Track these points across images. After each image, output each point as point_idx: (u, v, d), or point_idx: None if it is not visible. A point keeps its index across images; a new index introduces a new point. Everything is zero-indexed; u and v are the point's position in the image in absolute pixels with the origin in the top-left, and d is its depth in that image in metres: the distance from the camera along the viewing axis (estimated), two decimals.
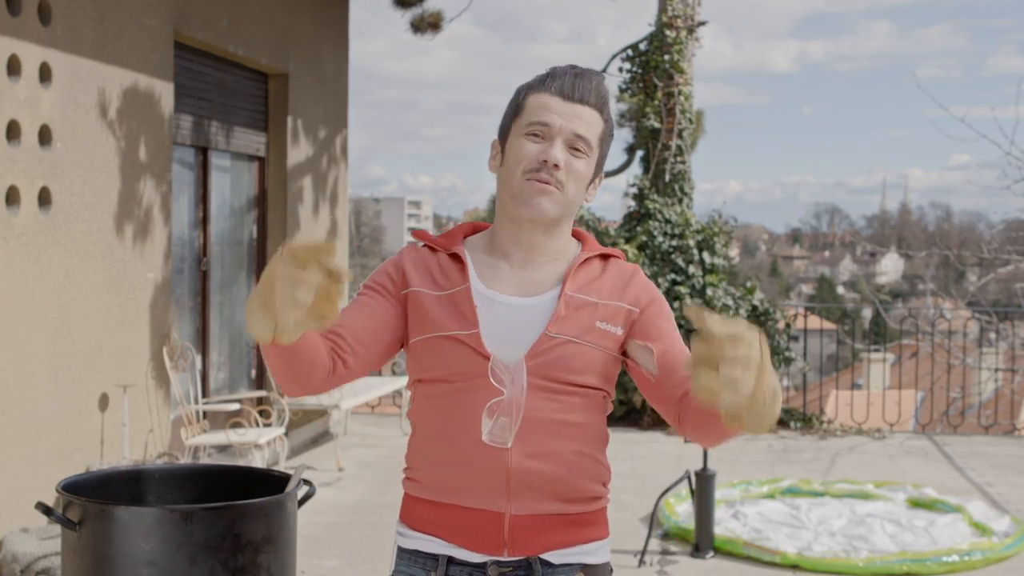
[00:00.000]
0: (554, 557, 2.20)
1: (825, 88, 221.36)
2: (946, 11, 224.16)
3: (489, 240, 2.33)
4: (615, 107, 11.53)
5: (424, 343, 2.23)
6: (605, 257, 2.35)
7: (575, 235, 2.38)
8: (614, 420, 2.42)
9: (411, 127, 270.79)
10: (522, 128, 2.25)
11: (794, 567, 6.17)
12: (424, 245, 2.34)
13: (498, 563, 2.19)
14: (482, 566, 2.19)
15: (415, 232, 2.39)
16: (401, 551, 2.27)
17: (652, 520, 6.41)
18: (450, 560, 2.20)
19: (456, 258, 2.29)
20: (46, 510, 2.32)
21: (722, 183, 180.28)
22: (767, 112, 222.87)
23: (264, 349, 1.98)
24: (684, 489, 7.16)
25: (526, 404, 2.17)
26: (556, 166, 2.20)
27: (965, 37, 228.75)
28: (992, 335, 13.42)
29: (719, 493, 7.40)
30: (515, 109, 2.29)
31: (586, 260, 2.30)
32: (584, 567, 2.23)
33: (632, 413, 10.55)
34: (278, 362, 2.02)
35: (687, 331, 10.44)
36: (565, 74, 2.27)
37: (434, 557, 2.21)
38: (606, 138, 2.30)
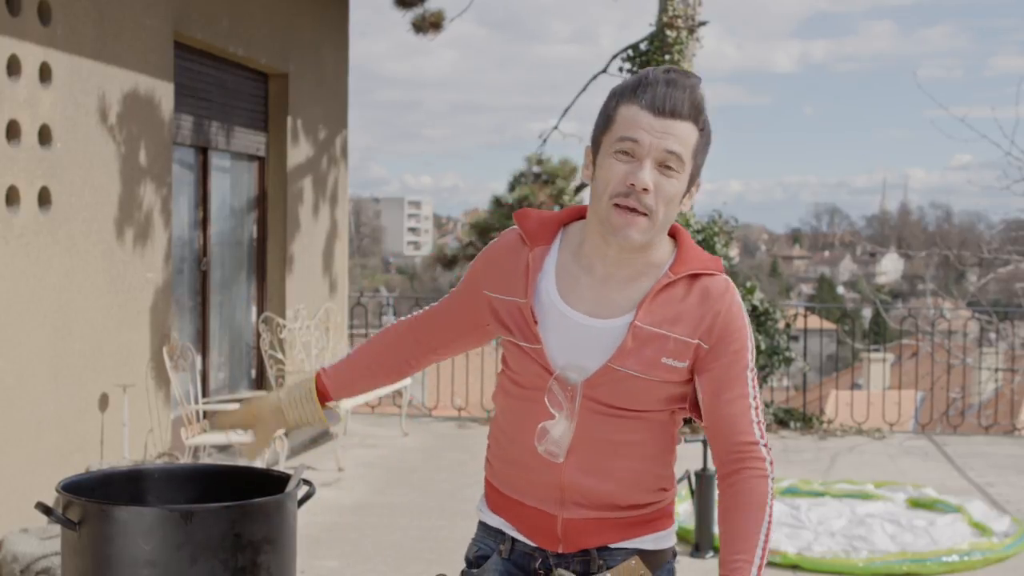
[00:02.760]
0: (611, 544, 2.27)
1: (827, 88, 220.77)
2: (949, 11, 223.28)
3: (579, 242, 2.26)
4: None
5: (504, 343, 2.30)
6: (695, 276, 2.20)
7: (673, 235, 2.28)
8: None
9: (412, 127, 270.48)
10: (612, 144, 2.15)
11: (794, 567, 6.17)
12: (517, 233, 2.31)
13: (556, 554, 2.28)
14: (543, 550, 2.29)
15: (516, 214, 2.33)
16: (479, 522, 2.41)
17: None
18: (515, 539, 2.31)
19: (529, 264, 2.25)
20: (46, 510, 2.31)
21: (723, 183, 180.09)
22: (769, 112, 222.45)
23: None
24: (684, 489, 7.15)
25: (583, 423, 2.18)
26: (645, 190, 2.11)
27: (968, 38, 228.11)
28: (992, 335, 13.42)
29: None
30: (606, 120, 2.18)
31: (668, 285, 2.19)
32: (641, 552, 2.27)
33: None
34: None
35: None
36: (657, 83, 2.13)
37: (503, 533, 2.33)
38: (702, 148, 2.19)
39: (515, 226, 2.33)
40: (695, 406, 2.26)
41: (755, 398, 2.22)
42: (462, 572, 2.40)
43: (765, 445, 2.20)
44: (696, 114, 2.15)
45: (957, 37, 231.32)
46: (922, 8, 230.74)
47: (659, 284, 2.18)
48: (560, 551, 2.26)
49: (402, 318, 2.55)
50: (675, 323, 2.17)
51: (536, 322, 2.19)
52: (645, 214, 2.13)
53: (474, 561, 2.38)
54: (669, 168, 2.12)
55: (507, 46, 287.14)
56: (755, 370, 2.24)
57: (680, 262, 2.21)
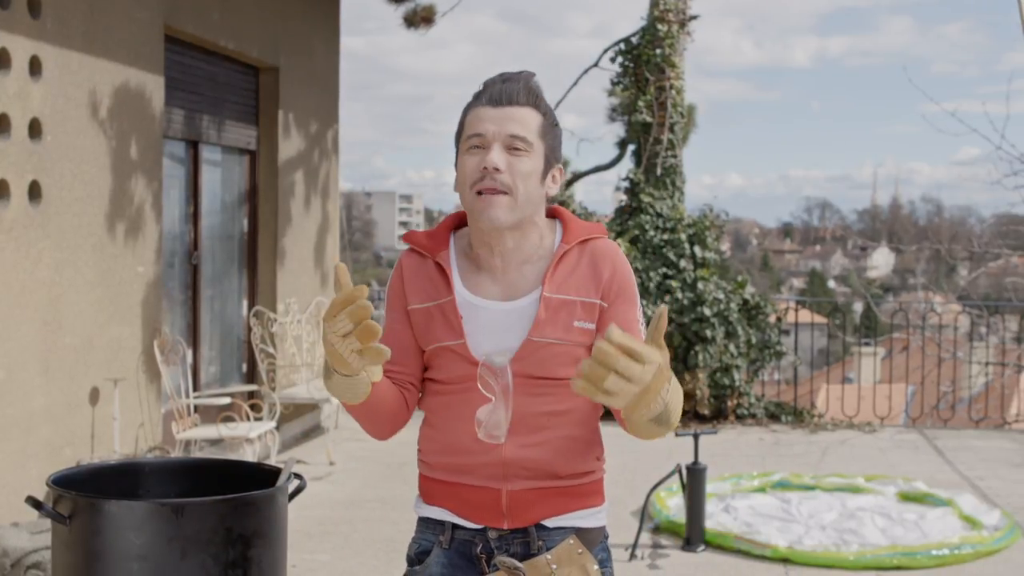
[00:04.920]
0: (549, 522, 2.36)
1: (837, 84, 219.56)
2: (968, 7, 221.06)
3: (467, 245, 2.41)
4: (607, 101, 11.54)
5: (428, 352, 2.38)
6: (584, 241, 2.39)
7: (554, 215, 2.44)
8: (604, 415, 2.45)
9: (418, 121, 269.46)
10: (463, 144, 2.34)
11: (785, 560, 6.18)
12: (412, 249, 2.43)
13: (498, 528, 2.35)
14: (483, 530, 2.36)
15: (405, 236, 2.47)
16: (418, 518, 2.46)
17: (643, 514, 6.42)
18: (455, 526, 2.38)
19: (441, 267, 2.38)
20: (36, 504, 2.31)
21: (723, 176, 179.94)
22: (776, 108, 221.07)
23: (351, 411, 2.30)
24: (675, 483, 7.17)
25: (517, 403, 2.28)
26: (497, 170, 2.27)
27: (986, 33, 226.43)
28: (982, 329, 13.45)
29: (710, 487, 7.41)
30: (458, 129, 2.38)
31: (564, 255, 2.36)
32: (577, 531, 2.38)
33: None
34: (366, 422, 2.37)
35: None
36: (494, 83, 2.35)
37: (442, 523, 2.39)
38: (548, 130, 2.35)
39: (407, 247, 2.47)
40: None
41: None
42: (405, 573, 2.45)
43: None
44: (534, 100, 2.34)
45: (974, 33, 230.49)
46: (942, 3, 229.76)
47: (557, 255, 2.34)
48: (505, 526, 2.34)
49: None
50: (578, 288, 2.33)
51: (461, 316, 2.32)
52: (505, 192, 2.28)
53: (415, 558, 2.44)
54: (517, 149, 2.29)
55: (525, 41, 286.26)
56: (644, 323, 2.40)
57: (569, 233, 2.39)
